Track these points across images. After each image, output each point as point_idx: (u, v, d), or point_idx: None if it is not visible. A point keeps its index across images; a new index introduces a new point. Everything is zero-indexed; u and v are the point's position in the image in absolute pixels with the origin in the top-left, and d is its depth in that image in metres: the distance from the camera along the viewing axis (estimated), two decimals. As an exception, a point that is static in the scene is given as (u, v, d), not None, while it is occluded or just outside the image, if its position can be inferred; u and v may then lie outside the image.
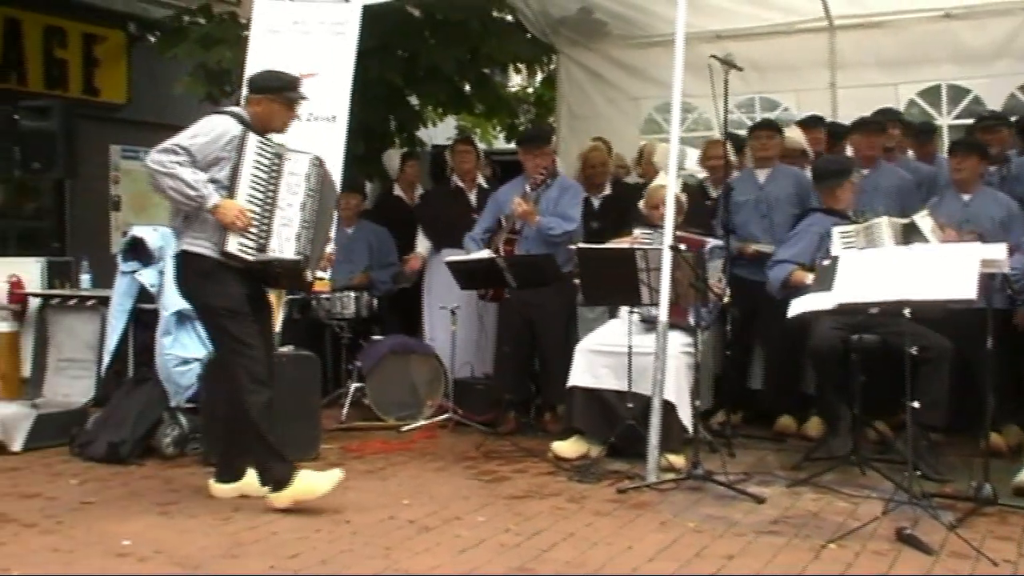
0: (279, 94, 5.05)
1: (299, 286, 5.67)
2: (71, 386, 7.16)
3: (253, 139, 4.87)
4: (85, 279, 7.72)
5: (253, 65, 6.69)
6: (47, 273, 7.91)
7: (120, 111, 13.41)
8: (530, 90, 13.34)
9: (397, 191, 9.00)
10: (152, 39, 12.98)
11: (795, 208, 6.68)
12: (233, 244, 4.80)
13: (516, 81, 15.07)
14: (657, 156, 7.58)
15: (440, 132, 12.97)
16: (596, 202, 7.53)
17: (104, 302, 6.83)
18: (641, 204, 6.46)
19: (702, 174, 7.76)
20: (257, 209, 4.85)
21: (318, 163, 5.06)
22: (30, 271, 7.88)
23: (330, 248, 5.62)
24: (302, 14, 6.78)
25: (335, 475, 4.84)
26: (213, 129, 4.85)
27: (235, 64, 7.96)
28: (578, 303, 6.52)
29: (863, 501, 4.96)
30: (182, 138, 4.78)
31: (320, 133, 6.48)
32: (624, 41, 9.18)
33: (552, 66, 10.67)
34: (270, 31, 6.78)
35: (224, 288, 4.84)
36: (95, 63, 13.13)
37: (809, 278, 5.55)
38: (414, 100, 10.84)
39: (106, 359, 6.64)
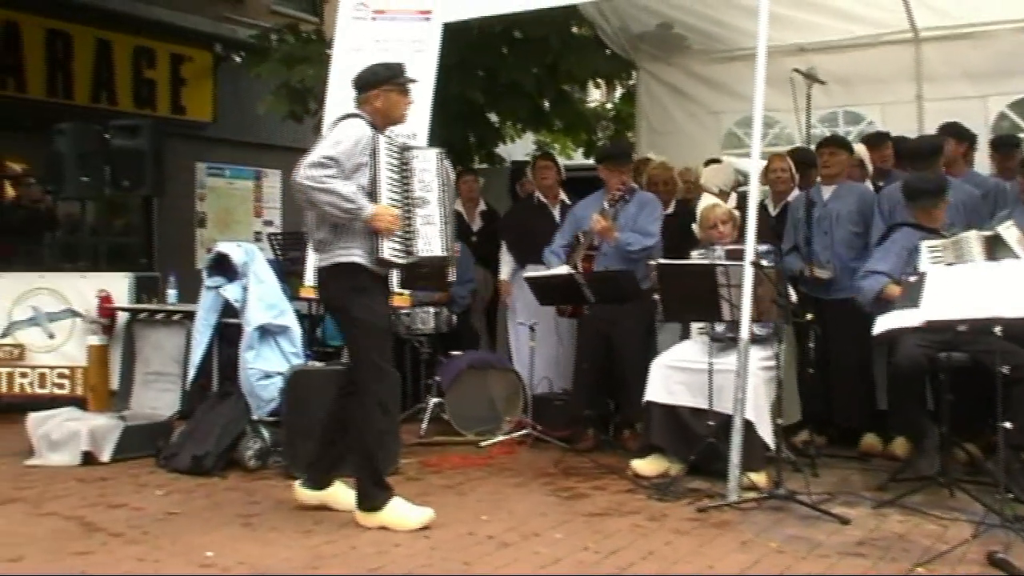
0: (393, 82, 4.99)
1: (439, 285, 5.67)
2: (157, 399, 7.28)
3: (381, 140, 4.83)
4: (171, 294, 7.87)
5: (335, 83, 6.78)
6: (135, 288, 8.10)
7: (206, 129, 13.69)
8: (609, 106, 13.33)
9: (458, 206, 9.03)
10: (237, 59, 13.23)
11: (856, 226, 6.56)
12: (387, 249, 4.78)
13: (595, 97, 15.07)
14: (704, 178, 7.46)
15: (519, 148, 13.00)
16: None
17: (189, 317, 6.94)
18: (695, 227, 6.38)
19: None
20: (399, 211, 4.81)
21: (444, 156, 5.04)
22: (119, 286, 8.07)
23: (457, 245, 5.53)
24: (383, 32, 6.82)
25: (428, 514, 4.80)
26: (352, 133, 4.79)
27: (317, 82, 8.06)
28: (657, 319, 6.49)
29: (952, 523, 4.82)
30: (326, 148, 4.72)
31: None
32: (704, 55, 9.12)
33: (631, 81, 10.65)
34: (352, 49, 6.84)
35: (376, 306, 4.84)
36: (182, 83, 13.45)
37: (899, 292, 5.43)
38: (493, 117, 10.90)
39: (191, 373, 6.74)
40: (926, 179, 6.04)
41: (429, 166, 4.95)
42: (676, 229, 7.10)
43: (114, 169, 8.62)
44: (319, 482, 5.10)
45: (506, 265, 8.08)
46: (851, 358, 6.47)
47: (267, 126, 13.07)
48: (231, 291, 6.43)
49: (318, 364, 6.48)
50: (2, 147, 12.07)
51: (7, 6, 11.30)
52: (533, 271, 7.09)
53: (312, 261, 5.77)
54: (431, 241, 4.90)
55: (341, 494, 5.06)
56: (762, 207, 7.21)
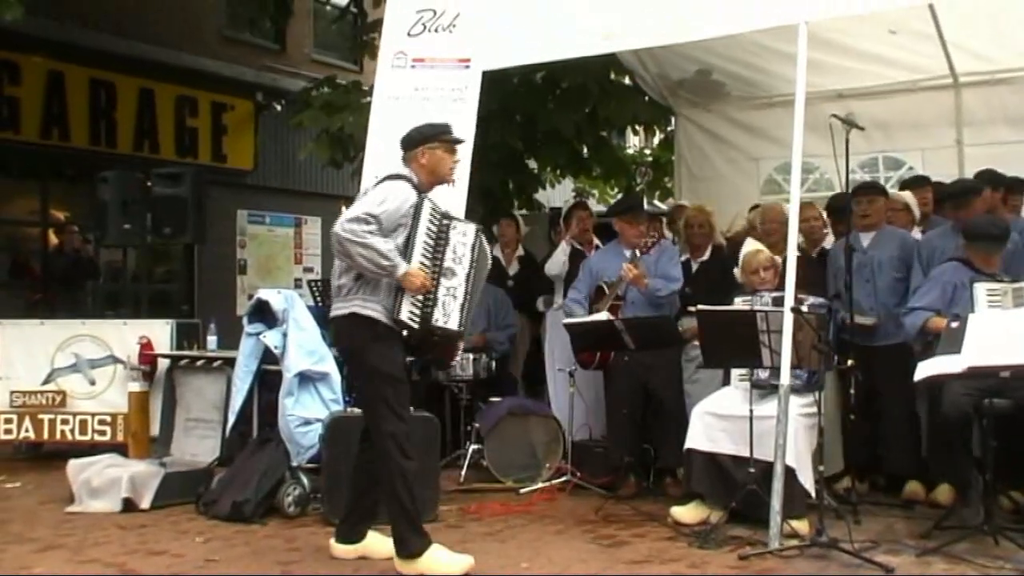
0: (439, 139, 5.10)
1: (446, 359, 5.73)
2: (198, 445, 7.36)
3: (427, 205, 4.92)
4: (212, 340, 7.97)
5: (375, 131, 6.89)
6: (176, 334, 8.20)
7: (247, 177, 13.87)
8: (647, 151, 13.40)
9: (496, 252, 9.11)
10: (278, 107, 13.43)
11: (898, 272, 6.54)
12: (404, 311, 4.86)
13: (633, 143, 15.16)
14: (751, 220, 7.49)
15: (557, 194, 13.08)
16: (694, 266, 7.39)
17: (230, 363, 7.03)
18: (736, 272, 6.42)
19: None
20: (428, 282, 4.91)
21: (483, 233, 5.11)
22: (160, 333, 8.18)
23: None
24: (423, 80, 6.91)
25: (468, 561, 4.84)
26: (397, 196, 4.88)
27: (357, 129, 8.18)
28: (697, 365, 6.51)
29: (997, 572, 4.79)
30: (370, 206, 4.81)
31: (440, 197, 6.56)
32: (743, 101, 9.18)
33: (670, 127, 10.72)
34: (391, 98, 6.94)
35: (391, 354, 4.90)
36: (223, 131, 13.67)
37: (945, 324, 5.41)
38: (532, 163, 10.98)
39: (231, 419, 6.82)
40: (992, 222, 5.98)
41: (466, 240, 5.02)
42: (713, 274, 7.14)
43: (156, 216, 8.77)
44: (352, 535, 5.15)
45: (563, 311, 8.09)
46: (899, 405, 6.43)
47: (307, 173, 13.29)
48: (271, 337, 6.50)
49: (357, 411, 6.54)
50: (47, 196, 12.36)
51: (53, 56, 11.58)
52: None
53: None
54: (449, 314, 4.95)
55: (377, 543, 5.10)
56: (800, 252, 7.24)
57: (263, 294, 6.70)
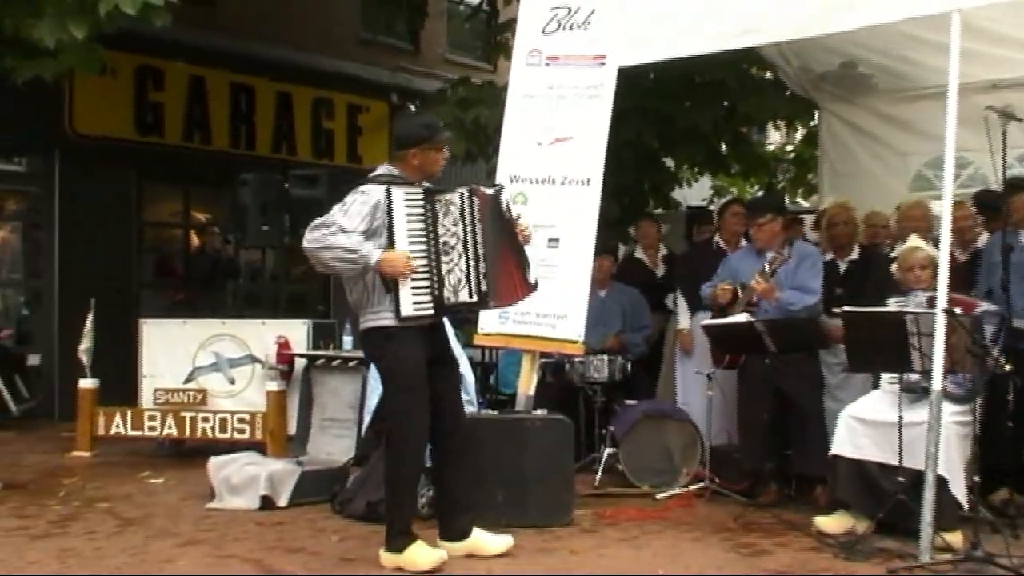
0: (431, 142, 5.15)
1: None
2: (333, 444, 7.49)
3: (397, 193, 4.94)
4: (347, 340, 8.08)
5: (510, 129, 6.90)
6: (312, 334, 8.37)
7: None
8: (789, 148, 13.16)
9: (639, 253, 9.05)
10: (413, 108, 13.58)
11: None
12: (408, 307, 4.90)
13: (774, 139, 14.91)
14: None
15: (695, 193, 12.95)
16: (842, 266, 7.16)
17: (365, 363, 7.12)
18: (893, 268, 6.21)
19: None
20: (423, 261, 4.93)
21: (469, 193, 5.03)
22: (297, 332, 8.36)
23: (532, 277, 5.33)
24: (557, 78, 6.88)
25: (440, 555, 4.97)
26: (359, 200, 4.95)
27: (492, 121, 8.21)
28: (843, 369, 6.35)
29: None
30: (330, 213, 4.95)
31: (574, 196, 6.59)
32: (891, 94, 8.91)
33: (813, 123, 10.49)
34: (525, 96, 6.94)
35: (405, 352, 4.95)
36: (359, 132, 13.88)
37: None
38: (669, 161, 10.89)
39: (366, 418, 6.91)
40: None
41: (452, 208, 5.00)
42: (858, 275, 6.94)
43: (293, 218, 8.95)
44: (452, 532, 5.22)
45: (684, 314, 8.02)
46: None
47: (443, 172, 13.41)
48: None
49: (492, 412, 6.58)
50: (188, 198, 12.75)
51: (195, 62, 11.93)
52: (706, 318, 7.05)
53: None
54: (457, 289, 4.96)
55: (483, 540, 5.20)
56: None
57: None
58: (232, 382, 8.47)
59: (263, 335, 8.40)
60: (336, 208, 4.97)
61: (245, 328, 8.59)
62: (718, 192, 13.74)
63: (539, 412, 6.21)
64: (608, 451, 7.18)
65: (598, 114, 6.65)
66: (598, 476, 7.06)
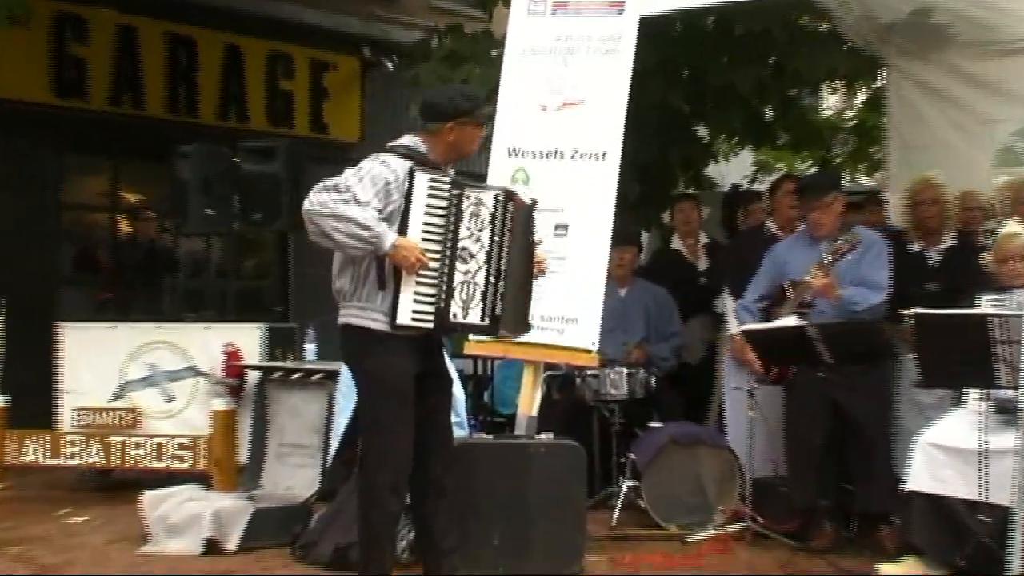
0: (474, 115, 5.16)
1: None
2: (293, 476, 7.53)
3: (422, 177, 4.93)
4: (311, 349, 8.10)
5: (508, 91, 6.91)
6: (268, 342, 8.39)
7: (353, 151, 13.96)
8: (848, 114, 13.18)
9: (675, 243, 9.05)
10: (390, 65, 13.55)
11: None
12: (406, 313, 4.89)
13: (830, 104, 14.93)
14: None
15: (733, 169, 12.95)
16: (933, 255, 7.19)
17: (332, 377, 7.15)
18: (985, 258, 6.21)
19: None
20: (435, 264, 4.91)
21: (505, 197, 5.03)
22: (249, 339, 8.38)
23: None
24: (566, 29, 6.89)
25: None
26: (379, 174, 4.92)
27: (486, 84, 8.26)
28: (911, 383, 6.36)
29: None
30: (343, 176, 4.90)
31: (586, 174, 6.61)
32: (974, 49, 8.91)
33: (878, 83, 10.50)
34: (528, 50, 6.94)
35: (392, 360, 4.95)
36: (324, 95, 13.85)
37: None
38: (702, 130, 10.90)
39: (334, 445, 6.93)
40: None
41: (483, 211, 4.98)
42: (955, 268, 6.91)
43: (244, 199, 8.97)
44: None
45: (735, 316, 7.97)
46: None
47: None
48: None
49: (486, 437, 6.59)
50: (117, 175, 12.73)
51: (125, 9, 11.91)
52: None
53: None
54: (468, 306, 4.94)
55: None
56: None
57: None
58: (170, 400, 8.49)
59: (208, 342, 8.42)
60: (349, 173, 4.93)
61: (186, 334, 8.62)
62: (761, 168, 13.74)
63: (543, 436, 6.21)
64: (628, 484, 7.19)
65: (615, 72, 6.66)
66: (615, 514, 7.08)
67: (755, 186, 12.30)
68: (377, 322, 4.94)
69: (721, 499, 7.06)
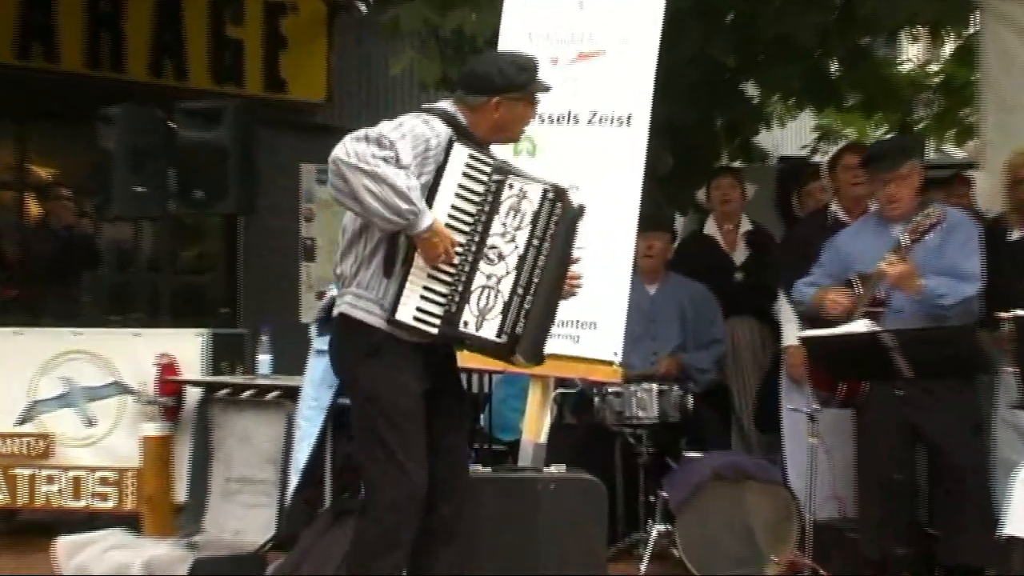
0: (525, 91, 5.15)
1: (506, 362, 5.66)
2: (244, 518, 7.52)
3: (461, 152, 4.91)
4: (265, 361, 8.04)
5: (511, 39, 6.89)
6: (211, 351, 8.36)
7: (317, 114, 14.04)
8: (933, 68, 13.17)
9: (709, 227, 9.01)
10: (363, 7, 13.54)
11: None
12: (408, 310, 4.85)
13: (912, 55, 14.92)
14: None
15: (790, 137, 12.95)
16: None
17: (292, 395, 7.13)
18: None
19: None
20: (455, 259, 4.89)
21: (555, 196, 5.02)
22: (188, 348, 8.35)
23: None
24: (583, -36, 6.92)
25: None
26: (420, 130, 4.91)
27: (483, 30, 8.24)
28: (1011, 404, 6.36)
29: None
30: (385, 127, 4.85)
31: (607, 141, 6.60)
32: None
33: (970, 30, 10.48)
34: (536, -12, 6.97)
35: (397, 375, 4.93)
36: (282, 45, 13.83)
37: None
38: (751, 89, 10.89)
39: (293, 480, 6.92)
40: None
41: (524, 207, 4.96)
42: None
43: (183, 175, 8.94)
44: None
45: (792, 324, 7.94)
46: None
47: (406, 107, 13.39)
48: (353, 357, 6.57)
49: (483, 470, 6.58)
50: (24, 144, 12.71)
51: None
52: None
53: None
54: (485, 317, 4.91)
55: None
56: None
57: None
58: (91, 424, 8.46)
59: (137, 352, 8.39)
60: (389, 126, 4.87)
61: (110, 341, 8.59)
62: (825, 135, 13.77)
63: (554, 469, 6.22)
64: (659, 528, 7.21)
65: (644, 17, 6.66)
66: (644, 564, 7.09)
67: (816, 158, 12.28)
68: (373, 315, 4.92)
69: (774, 547, 7.07)
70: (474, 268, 4.92)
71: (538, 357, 5.17)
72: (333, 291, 6.73)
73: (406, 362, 4.94)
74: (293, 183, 13.55)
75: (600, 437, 7.70)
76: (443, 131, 4.94)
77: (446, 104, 5.14)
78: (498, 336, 4.94)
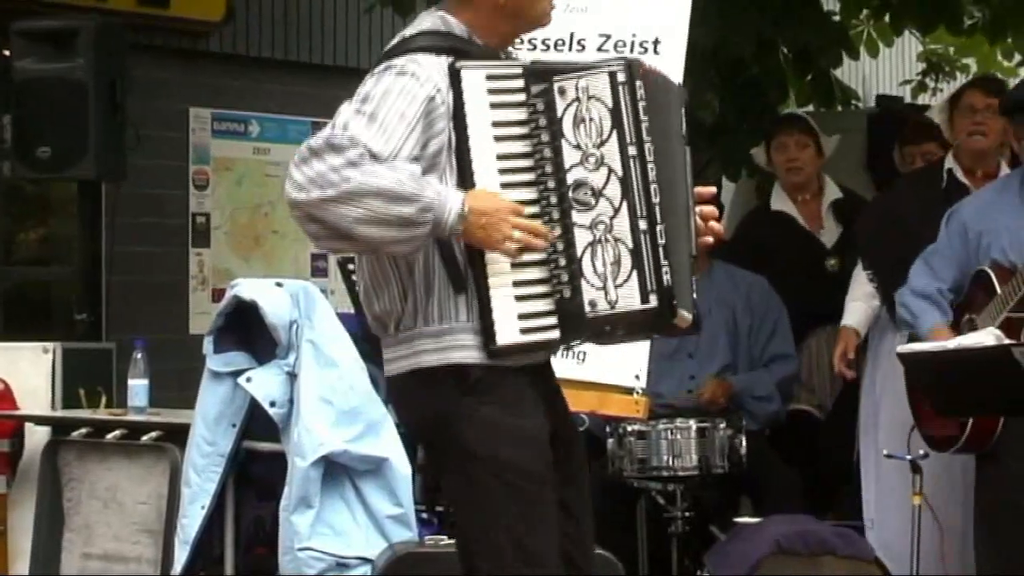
0: None
1: (666, 332, 5.53)
2: (109, 609, 7.56)
3: (474, 76, 4.75)
4: (139, 388, 8.07)
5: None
6: (62, 375, 8.37)
7: (210, 39, 14.08)
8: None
9: (777, 200, 9.01)
10: None
11: None
12: (510, 325, 4.68)
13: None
14: None
15: (885, 70, 13.02)
16: None
17: (177, 438, 7.16)
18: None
19: None
20: (536, 226, 4.68)
21: (628, 74, 4.76)
22: (29, 370, 8.38)
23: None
24: None
25: None
26: (398, 88, 4.69)
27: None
28: None
29: None
30: (340, 119, 4.66)
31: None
32: None
33: None
34: None
35: (514, 419, 4.76)
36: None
37: None
38: (830, 3, 10.96)
39: (181, 556, 6.94)
40: None
41: (595, 108, 4.76)
42: None
43: (22, 123, 8.95)
44: None
45: (861, 302, 7.97)
46: None
47: (336, 31, 13.43)
48: (263, 382, 6.64)
49: (445, 540, 6.61)
50: None
51: None
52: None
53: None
54: (612, 280, 4.72)
55: None
56: None
57: (245, 288, 6.79)
58: None
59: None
60: (348, 110, 4.66)
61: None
62: (933, 68, 13.83)
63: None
64: (700, 622, 7.27)
65: None
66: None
67: (923, 100, 12.34)
68: (470, 350, 4.73)
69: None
70: (567, 226, 4.75)
71: (691, 305, 4.99)
72: (237, 288, 6.82)
73: (523, 394, 4.82)
74: (179, 134, 13.58)
75: (616, 495, 7.76)
76: (437, 68, 4.76)
77: (425, 19, 4.99)
78: (644, 301, 4.71)
